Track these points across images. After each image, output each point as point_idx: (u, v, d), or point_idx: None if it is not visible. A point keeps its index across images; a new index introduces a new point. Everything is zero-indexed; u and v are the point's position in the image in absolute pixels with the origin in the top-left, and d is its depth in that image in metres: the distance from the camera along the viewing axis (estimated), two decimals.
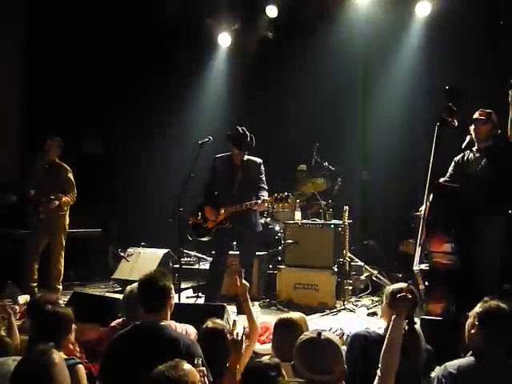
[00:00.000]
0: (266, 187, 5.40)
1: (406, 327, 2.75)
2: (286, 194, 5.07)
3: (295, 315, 3.03)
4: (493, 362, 2.35)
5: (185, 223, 5.45)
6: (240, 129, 5.34)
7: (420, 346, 2.65)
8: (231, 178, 5.37)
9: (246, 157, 5.44)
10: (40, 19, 8.16)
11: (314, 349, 2.16)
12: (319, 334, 2.20)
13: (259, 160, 5.51)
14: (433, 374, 2.47)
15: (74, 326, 2.83)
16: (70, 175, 6.12)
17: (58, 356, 2.15)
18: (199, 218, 5.39)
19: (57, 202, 5.90)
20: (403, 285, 3.04)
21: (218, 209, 5.28)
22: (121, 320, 3.28)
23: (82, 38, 8.19)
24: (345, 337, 3.75)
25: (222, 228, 5.28)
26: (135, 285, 3.23)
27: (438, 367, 2.43)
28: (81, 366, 2.62)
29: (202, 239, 5.40)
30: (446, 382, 2.32)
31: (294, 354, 2.21)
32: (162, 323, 2.61)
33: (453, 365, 2.38)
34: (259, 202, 5.12)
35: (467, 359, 2.40)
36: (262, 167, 5.46)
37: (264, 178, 5.42)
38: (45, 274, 6.04)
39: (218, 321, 3.06)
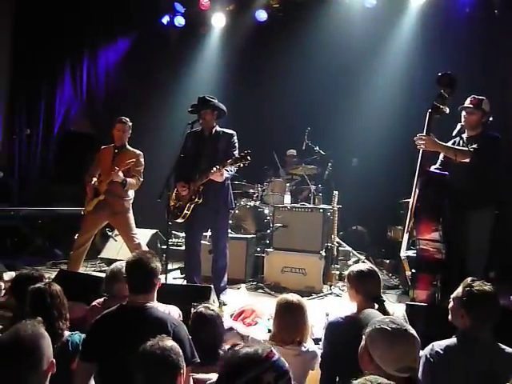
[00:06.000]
0: None
1: (376, 306, 2.76)
2: (245, 151, 4.71)
3: (297, 297, 3.01)
4: (477, 343, 2.37)
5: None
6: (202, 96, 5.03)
7: None
8: (199, 151, 5.09)
9: (219, 129, 5.15)
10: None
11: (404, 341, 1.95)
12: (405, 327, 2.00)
13: (231, 131, 5.18)
14: (421, 353, 2.47)
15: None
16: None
17: (44, 331, 2.12)
18: (174, 199, 5.10)
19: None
20: (363, 266, 3.01)
21: (189, 184, 5.02)
22: (102, 300, 3.26)
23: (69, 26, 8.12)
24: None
25: (194, 207, 4.99)
26: (115, 264, 3.22)
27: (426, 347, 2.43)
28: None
29: (177, 221, 5.09)
30: (434, 361, 2.35)
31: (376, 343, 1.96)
32: (149, 304, 2.59)
33: (440, 345, 2.40)
34: (214, 169, 4.72)
35: (453, 340, 2.42)
36: (235, 139, 5.11)
37: (236, 152, 4.99)
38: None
39: (212, 307, 3.06)
